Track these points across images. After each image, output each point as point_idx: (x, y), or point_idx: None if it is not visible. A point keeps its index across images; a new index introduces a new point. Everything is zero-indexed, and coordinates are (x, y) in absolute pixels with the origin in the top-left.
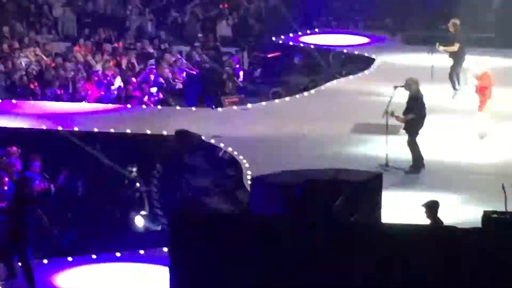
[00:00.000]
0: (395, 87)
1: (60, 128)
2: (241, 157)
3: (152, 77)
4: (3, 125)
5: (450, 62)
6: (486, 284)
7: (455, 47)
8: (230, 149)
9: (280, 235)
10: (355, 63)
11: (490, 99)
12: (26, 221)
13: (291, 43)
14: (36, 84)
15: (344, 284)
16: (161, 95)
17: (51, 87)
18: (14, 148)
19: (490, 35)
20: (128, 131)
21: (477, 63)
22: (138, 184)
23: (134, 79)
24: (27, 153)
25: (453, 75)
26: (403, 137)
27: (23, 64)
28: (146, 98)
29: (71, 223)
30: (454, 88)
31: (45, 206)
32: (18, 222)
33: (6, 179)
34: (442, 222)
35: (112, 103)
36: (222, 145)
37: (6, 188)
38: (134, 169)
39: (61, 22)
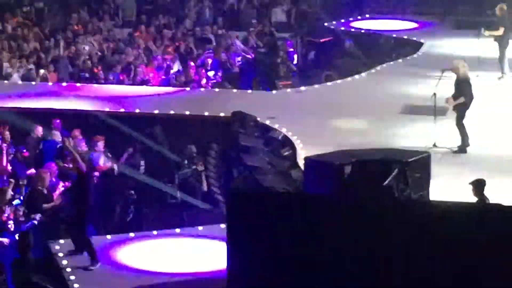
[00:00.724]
0: (443, 70)
1: (122, 110)
2: (295, 137)
3: (209, 61)
4: (68, 107)
5: (496, 47)
6: None
7: (500, 31)
8: (284, 130)
9: (329, 214)
10: (404, 47)
11: None
12: (87, 199)
13: (342, 28)
14: (99, 68)
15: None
16: (218, 79)
17: (114, 72)
18: (77, 132)
19: None
20: (187, 113)
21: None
22: (196, 164)
23: (192, 63)
24: (91, 134)
25: (503, 58)
26: (451, 119)
27: (87, 49)
28: (204, 81)
29: (133, 202)
30: (502, 72)
31: (109, 184)
32: (79, 201)
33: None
34: (488, 200)
35: (172, 86)
36: (277, 126)
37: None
38: (194, 149)
39: (122, 9)
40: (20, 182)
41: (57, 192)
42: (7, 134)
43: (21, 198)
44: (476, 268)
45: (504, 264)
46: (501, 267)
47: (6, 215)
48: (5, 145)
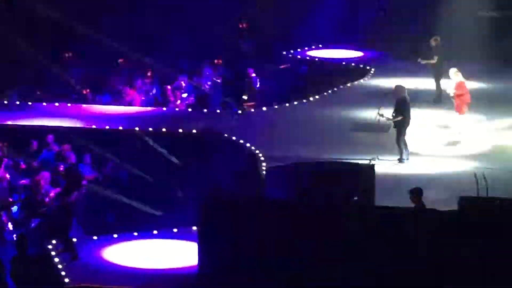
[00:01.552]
0: (386, 93)
1: (107, 127)
2: (257, 151)
3: (183, 84)
4: (59, 125)
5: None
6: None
7: (434, 60)
8: (248, 144)
9: (290, 216)
10: (353, 73)
11: (467, 104)
12: (73, 203)
13: (299, 56)
14: (87, 90)
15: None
16: (191, 100)
17: (101, 94)
18: (67, 146)
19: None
20: (164, 129)
21: (455, 73)
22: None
23: (169, 87)
24: (80, 148)
25: (437, 84)
26: (392, 135)
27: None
28: (178, 102)
29: (115, 207)
30: (435, 93)
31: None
32: (66, 205)
33: (61, 168)
34: (425, 206)
35: (150, 107)
36: (241, 141)
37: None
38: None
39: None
40: (16, 191)
41: (50, 196)
42: (5, 149)
43: (19, 204)
44: (415, 262)
45: (435, 258)
46: (433, 261)
47: (3, 218)
48: (5, 158)
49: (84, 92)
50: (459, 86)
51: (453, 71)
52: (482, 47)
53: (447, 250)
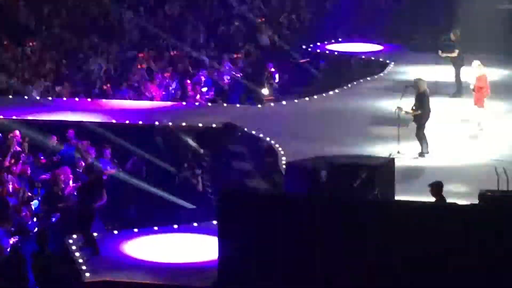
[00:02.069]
0: (405, 87)
1: (127, 122)
2: (277, 145)
3: (203, 79)
4: (80, 120)
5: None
6: (480, 250)
7: (454, 53)
8: (268, 139)
9: (309, 211)
10: (372, 67)
11: (487, 97)
12: (93, 199)
13: (318, 50)
14: (108, 86)
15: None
16: (211, 95)
17: (120, 89)
18: (87, 141)
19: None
20: (184, 124)
21: (478, 66)
22: (194, 168)
23: (189, 81)
24: (100, 143)
25: (458, 78)
26: (412, 129)
27: (97, 69)
28: (198, 96)
29: (136, 202)
30: (457, 90)
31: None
32: (87, 200)
33: (82, 163)
34: (445, 200)
35: (170, 101)
36: (261, 135)
37: (81, 170)
38: (189, 155)
39: (128, 34)
40: (36, 185)
41: (70, 191)
42: (25, 145)
43: (39, 198)
44: (435, 257)
45: (458, 254)
46: (457, 257)
47: (23, 214)
48: (23, 154)
49: (104, 87)
50: (481, 79)
51: (476, 64)
52: (501, 40)
53: (466, 244)
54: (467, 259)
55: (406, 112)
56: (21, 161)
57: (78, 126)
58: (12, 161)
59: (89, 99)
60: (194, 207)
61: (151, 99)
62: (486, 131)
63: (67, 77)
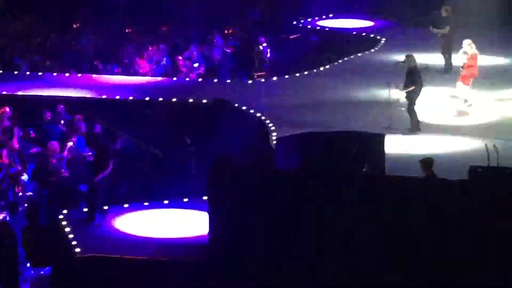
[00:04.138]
0: (397, 63)
1: (117, 97)
2: (268, 121)
3: (194, 54)
4: (70, 95)
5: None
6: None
7: (446, 30)
8: (258, 114)
9: (299, 186)
10: (363, 43)
11: (473, 77)
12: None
13: (309, 26)
14: (97, 61)
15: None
16: (201, 70)
17: (111, 64)
18: (78, 116)
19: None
20: (174, 99)
21: (469, 44)
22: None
23: (180, 57)
24: (91, 117)
25: (445, 53)
26: (404, 105)
27: (87, 44)
28: (189, 72)
29: (127, 177)
30: (445, 65)
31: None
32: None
33: (74, 138)
34: (436, 175)
35: (161, 77)
36: (252, 111)
37: (73, 144)
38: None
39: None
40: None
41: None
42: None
43: (29, 173)
44: (425, 232)
45: (445, 227)
46: (443, 231)
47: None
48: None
49: (95, 62)
50: (471, 57)
51: (467, 42)
52: (493, 17)
53: (456, 219)
54: (457, 233)
55: (398, 89)
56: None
57: (68, 101)
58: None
59: (79, 75)
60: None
61: (142, 74)
62: (476, 109)
63: (57, 52)
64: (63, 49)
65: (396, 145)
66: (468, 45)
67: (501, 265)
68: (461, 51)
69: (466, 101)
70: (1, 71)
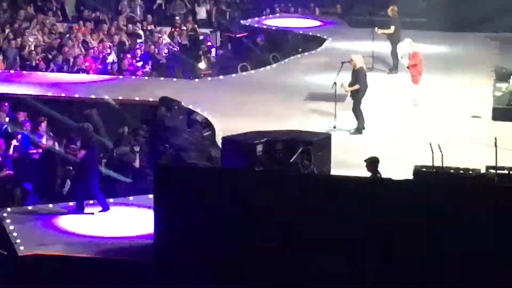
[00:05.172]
0: (342, 63)
1: (63, 95)
2: (214, 120)
3: (139, 52)
4: (15, 92)
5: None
6: (414, 224)
7: (391, 30)
8: (205, 113)
9: (244, 185)
10: (309, 42)
11: (421, 75)
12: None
13: (256, 25)
14: (41, 58)
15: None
16: (148, 68)
17: (55, 61)
18: (22, 113)
19: (421, 20)
20: (120, 97)
21: (410, 44)
22: (132, 144)
23: (129, 55)
24: (36, 116)
25: (394, 54)
26: (349, 104)
27: (31, 41)
28: (135, 69)
29: (71, 176)
30: (393, 65)
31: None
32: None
33: (19, 136)
34: (381, 175)
35: (107, 75)
36: (198, 109)
37: (17, 142)
38: (126, 130)
39: (64, 6)
40: None
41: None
42: None
43: None
44: (370, 232)
45: (393, 229)
46: (391, 232)
47: None
48: None
49: (38, 60)
50: (414, 56)
51: (407, 41)
52: (437, 15)
53: (402, 219)
54: (402, 234)
55: (342, 86)
56: None
57: (13, 98)
58: None
59: (24, 72)
60: (131, 181)
61: (87, 72)
62: (421, 108)
63: (1, 49)
64: (8, 46)
65: (342, 145)
66: (409, 44)
67: (446, 265)
68: (401, 52)
69: (413, 100)
70: None
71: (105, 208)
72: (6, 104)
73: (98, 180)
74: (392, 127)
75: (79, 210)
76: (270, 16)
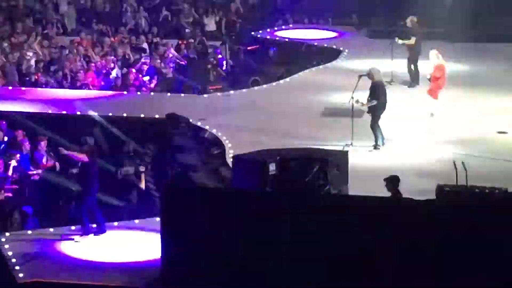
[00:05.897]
0: (360, 76)
1: (64, 112)
2: (224, 137)
3: (145, 67)
4: (14, 110)
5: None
6: (437, 247)
7: (412, 41)
8: (214, 130)
9: (255, 206)
10: (325, 55)
11: (442, 89)
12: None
13: (267, 37)
14: (41, 74)
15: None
16: (154, 84)
17: (55, 77)
18: (20, 131)
19: (440, 30)
20: (124, 114)
21: (436, 55)
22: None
23: (134, 70)
24: (35, 134)
25: (410, 66)
26: (367, 120)
27: (30, 55)
28: (141, 86)
29: (74, 197)
30: (411, 77)
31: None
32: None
33: (18, 155)
34: (401, 194)
35: (111, 90)
36: (207, 127)
37: (16, 163)
38: (131, 148)
39: (64, 18)
40: None
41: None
42: None
43: None
44: (387, 254)
45: (414, 248)
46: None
47: None
48: None
49: (36, 76)
50: (438, 68)
51: (433, 53)
52: (461, 27)
53: (423, 240)
54: (424, 255)
55: (358, 102)
56: None
57: (11, 116)
58: None
59: (23, 88)
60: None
61: (85, 87)
62: (441, 123)
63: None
64: (7, 62)
65: (360, 162)
66: (435, 55)
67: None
68: (428, 63)
69: (432, 115)
70: None
71: (102, 230)
72: (4, 122)
73: (96, 197)
74: (413, 144)
75: (84, 233)
76: (283, 27)
